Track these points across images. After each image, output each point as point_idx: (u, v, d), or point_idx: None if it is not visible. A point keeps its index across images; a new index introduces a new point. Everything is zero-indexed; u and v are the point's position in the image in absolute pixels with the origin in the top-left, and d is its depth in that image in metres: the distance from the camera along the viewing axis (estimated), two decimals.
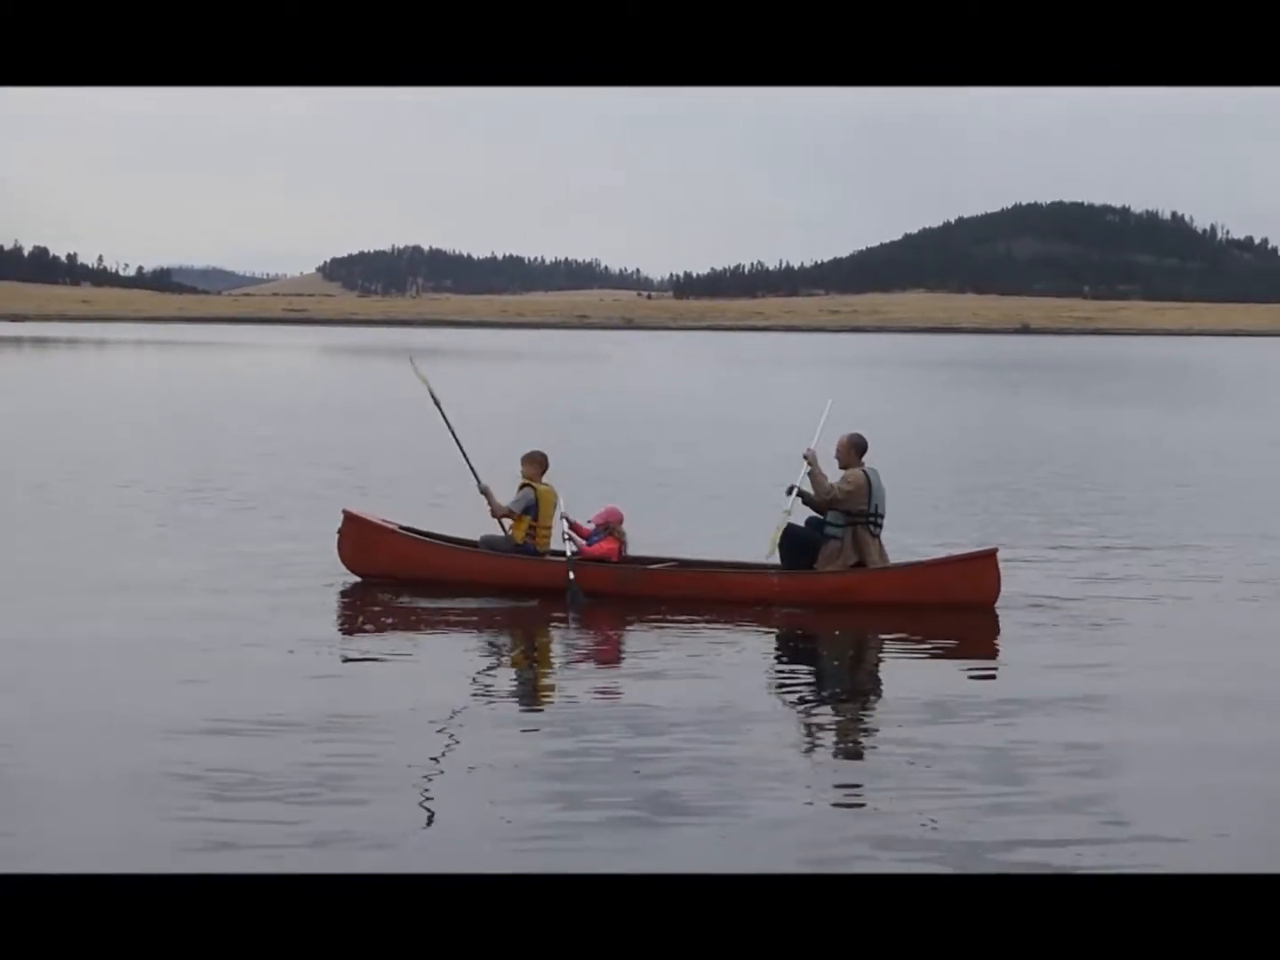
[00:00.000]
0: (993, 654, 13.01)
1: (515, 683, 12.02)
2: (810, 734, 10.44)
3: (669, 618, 13.65)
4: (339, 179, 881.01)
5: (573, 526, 14.90)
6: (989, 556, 14.38)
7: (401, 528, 15.53)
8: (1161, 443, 34.82)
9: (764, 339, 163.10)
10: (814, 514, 14.78)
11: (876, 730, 10.53)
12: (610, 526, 14.92)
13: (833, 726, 10.72)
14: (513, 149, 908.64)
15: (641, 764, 9.30)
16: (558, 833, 8.13)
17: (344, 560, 15.42)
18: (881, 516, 14.56)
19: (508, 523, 15.02)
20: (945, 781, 9.10)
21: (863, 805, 8.79)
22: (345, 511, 15.68)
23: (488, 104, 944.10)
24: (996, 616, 13.98)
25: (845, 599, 14.19)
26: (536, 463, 15.16)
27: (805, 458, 14.76)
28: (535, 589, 14.49)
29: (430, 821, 8.42)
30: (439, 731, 10.19)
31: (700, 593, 14.29)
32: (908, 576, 14.44)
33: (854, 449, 14.86)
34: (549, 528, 14.96)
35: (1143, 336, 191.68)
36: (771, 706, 11.08)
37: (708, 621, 13.56)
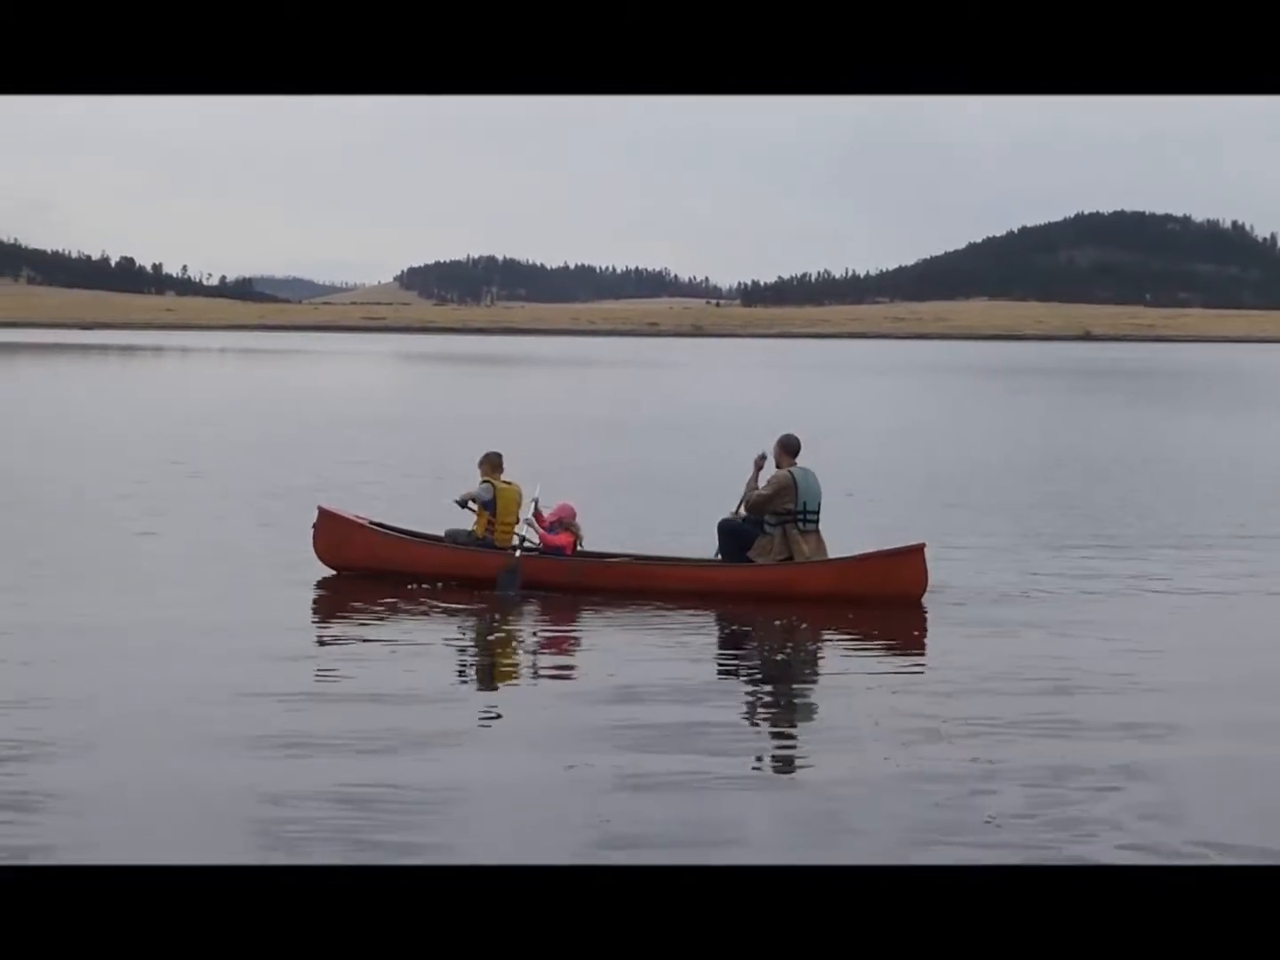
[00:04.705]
0: (920, 644, 13.43)
1: (475, 669, 12.55)
2: (788, 723, 10.91)
3: (616, 608, 14.19)
4: (416, 190, 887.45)
5: (537, 515, 15.35)
6: (916, 552, 14.71)
7: (372, 523, 15.87)
8: (1216, 446, 35.21)
9: (830, 346, 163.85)
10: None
11: (834, 723, 10.60)
12: (565, 522, 15.40)
13: (796, 715, 11.11)
14: (585, 160, 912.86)
15: (623, 753, 9.51)
16: (549, 826, 8.23)
17: (318, 554, 15.66)
18: (812, 513, 14.96)
19: (472, 509, 15.68)
20: (908, 768, 9.32)
21: (849, 801, 8.74)
22: (320, 507, 15.92)
23: (562, 115, 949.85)
24: (923, 609, 14.35)
25: (779, 591, 14.54)
26: (491, 463, 15.75)
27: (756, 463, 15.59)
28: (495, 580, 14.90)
29: (428, 812, 8.42)
30: (424, 720, 10.31)
31: (643, 584, 14.77)
32: (839, 570, 14.77)
33: (784, 450, 15.38)
34: (508, 523, 15.39)
35: (1204, 344, 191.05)
36: (716, 696, 11.22)
37: (652, 611, 14.08)
